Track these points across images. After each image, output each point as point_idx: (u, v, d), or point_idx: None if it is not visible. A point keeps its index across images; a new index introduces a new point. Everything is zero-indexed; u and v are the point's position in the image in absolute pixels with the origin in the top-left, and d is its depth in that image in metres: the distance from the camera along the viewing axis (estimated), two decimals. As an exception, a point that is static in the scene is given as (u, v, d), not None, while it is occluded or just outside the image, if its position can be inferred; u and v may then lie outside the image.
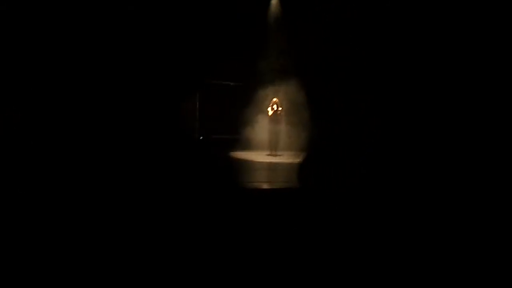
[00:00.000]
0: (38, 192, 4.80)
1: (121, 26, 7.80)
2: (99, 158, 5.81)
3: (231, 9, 9.76)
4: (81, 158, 5.69)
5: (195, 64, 9.95)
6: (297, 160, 7.86)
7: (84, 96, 6.99)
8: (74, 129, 6.49)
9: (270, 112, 9.14)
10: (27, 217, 3.98)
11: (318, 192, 4.91)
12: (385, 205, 4.37)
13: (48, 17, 6.69)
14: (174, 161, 6.87)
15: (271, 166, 7.92)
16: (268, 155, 9.20)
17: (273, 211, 4.39)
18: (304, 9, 8.87)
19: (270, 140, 9.33)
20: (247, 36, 10.13)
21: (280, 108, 9.16)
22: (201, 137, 11.00)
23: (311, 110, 8.93)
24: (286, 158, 8.96)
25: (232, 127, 10.29)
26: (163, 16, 8.75)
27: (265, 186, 5.88)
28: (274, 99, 9.16)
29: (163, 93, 9.10)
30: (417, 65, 7.00)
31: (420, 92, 6.80)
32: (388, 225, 3.96)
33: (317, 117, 8.51)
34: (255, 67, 9.98)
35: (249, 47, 10.08)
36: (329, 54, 8.40)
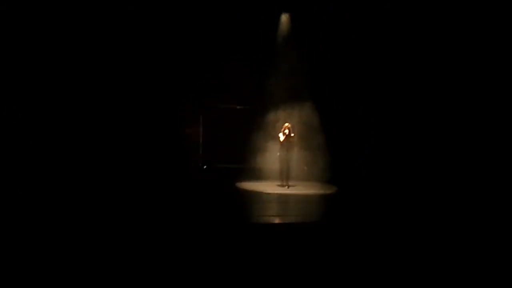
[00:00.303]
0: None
1: (124, 42, 8.44)
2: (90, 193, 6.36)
3: (235, 24, 10.06)
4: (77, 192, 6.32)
5: (198, 85, 10.33)
6: (311, 191, 8.53)
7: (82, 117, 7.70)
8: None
9: (282, 138, 9.07)
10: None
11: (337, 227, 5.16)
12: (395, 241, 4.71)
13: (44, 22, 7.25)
14: (174, 193, 7.22)
15: (282, 199, 7.96)
16: (279, 185, 9.17)
17: (284, 249, 4.51)
18: (314, 25, 9.44)
19: (281, 169, 9.27)
20: (255, 54, 10.30)
21: (292, 134, 9.12)
22: (205, 166, 11.07)
23: (327, 135, 9.52)
24: (299, 189, 8.99)
25: (239, 155, 10.30)
26: (166, 33, 9.34)
27: (276, 220, 5.98)
28: (286, 124, 9.13)
29: (161, 118, 9.65)
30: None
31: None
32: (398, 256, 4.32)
33: (335, 143, 9.23)
34: (263, 88, 10.16)
35: (257, 66, 10.32)
36: (343, 71, 9.20)
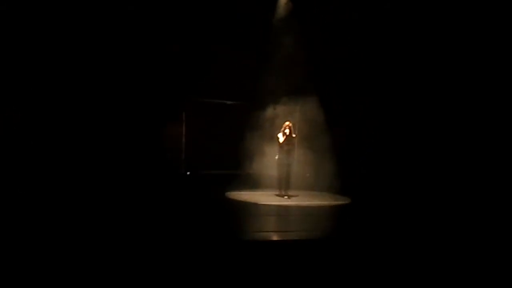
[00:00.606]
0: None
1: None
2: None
3: (228, 8, 10.21)
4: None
5: (180, 75, 10.41)
6: (317, 202, 8.75)
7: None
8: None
9: (281, 139, 9.06)
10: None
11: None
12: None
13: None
14: (150, 207, 7.25)
15: (282, 211, 8.00)
16: (277, 195, 9.17)
17: (283, 272, 4.51)
18: (314, 8, 9.92)
19: (279, 176, 9.27)
20: (249, 40, 10.38)
21: (294, 135, 9.11)
22: (188, 173, 11.09)
23: (335, 136, 9.76)
24: (301, 200, 9.03)
25: (229, 159, 10.38)
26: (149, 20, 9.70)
27: (274, 237, 6.02)
28: (287, 122, 9.11)
29: (135, 115, 9.77)
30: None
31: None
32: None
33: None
34: (259, 80, 10.17)
35: (251, 53, 10.44)
36: (344, 71, 10.12)
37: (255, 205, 8.26)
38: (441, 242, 5.32)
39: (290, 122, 9.17)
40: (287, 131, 9.04)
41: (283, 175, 9.23)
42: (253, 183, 9.90)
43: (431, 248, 5.11)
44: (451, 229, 5.97)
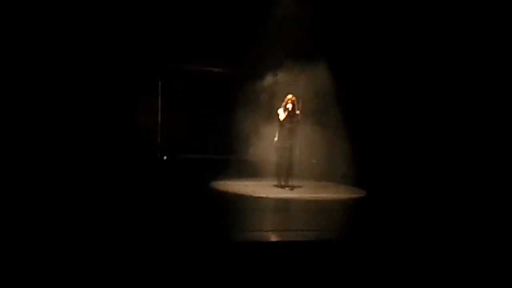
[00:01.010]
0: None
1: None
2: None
3: None
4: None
5: (154, 34, 10.40)
6: (325, 195, 9.00)
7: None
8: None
9: (282, 116, 8.99)
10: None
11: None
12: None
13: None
14: (121, 199, 7.45)
15: (282, 205, 8.03)
16: (276, 186, 9.19)
17: (285, 278, 4.63)
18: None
19: (279, 163, 9.26)
20: None
21: (298, 111, 9.00)
22: (165, 157, 11.12)
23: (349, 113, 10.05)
24: (306, 191, 9.10)
25: (216, 140, 10.50)
26: None
27: (272, 237, 6.10)
28: (289, 96, 8.99)
29: (98, 85, 10.11)
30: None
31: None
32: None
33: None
34: (253, 41, 10.06)
35: (243, 6, 10.30)
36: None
37: (249, 198, 8.23)
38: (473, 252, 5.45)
39: (293, 95, 9.08)
40: (289, 106, 8.93)
41: (283, 161, 9.19)
42: (246, 171, 9.89)
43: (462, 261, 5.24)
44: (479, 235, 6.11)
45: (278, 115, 9.03)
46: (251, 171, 9.81)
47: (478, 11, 9.57)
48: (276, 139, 9.14)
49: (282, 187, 9.05)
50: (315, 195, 8.81)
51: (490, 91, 9.53)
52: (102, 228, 5.62)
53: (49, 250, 4.62)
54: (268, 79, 10.13)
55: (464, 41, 9.79)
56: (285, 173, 9.15)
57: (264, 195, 8.38)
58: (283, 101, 9.03)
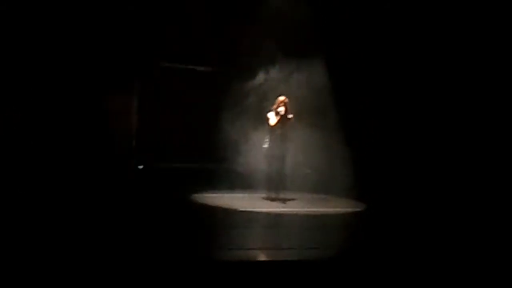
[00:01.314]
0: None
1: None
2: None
3: None
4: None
5: (132, 29, 10.22)
6: (321, 209, 9.13)
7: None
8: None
9: (273, 120, 8.91)
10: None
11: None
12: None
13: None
14: (92, 212, 7.34)
15: (271, 221, 8.07)
16: (266, 199, 9.14)
17: None
18: None
19: (269, 173, 9.18)
20: None
21: (290, 115, 8.90)
22: (141, 166, 10.97)
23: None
24: (299, 205, 9.11)
25: (198, 147, 10.42)
26: None
27: (260, 256, 6.08)
28: (281, 98, 8.92)
29: (71, 85, 9.87)
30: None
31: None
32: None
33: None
34: (241, 38, 10.06)
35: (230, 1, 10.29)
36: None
37: (234, 211, 8.25)
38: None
39: (286, 97, 8.98)
40: (281, 109, 8.82)
41: (274, 171, 9.08)
42: (233, 182, 9.78)
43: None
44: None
45: (268, 119, 8.92)
46: (238, 182, 9.69)
47: (478, 11, 9.85)
48: (265, 145, 9.03)
49: (273, 200, 8.94)
50: (309, 209, 8.78)
51: (491, 94, 9.73)
52: (64, 249, 5.31)
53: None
54: (257, 79, 10.06)
55: (464, 41, 10.06)
56: (276, 184, 9.04)
57: (252, 209, 8.36)
58: (274, 103, 8.91)
